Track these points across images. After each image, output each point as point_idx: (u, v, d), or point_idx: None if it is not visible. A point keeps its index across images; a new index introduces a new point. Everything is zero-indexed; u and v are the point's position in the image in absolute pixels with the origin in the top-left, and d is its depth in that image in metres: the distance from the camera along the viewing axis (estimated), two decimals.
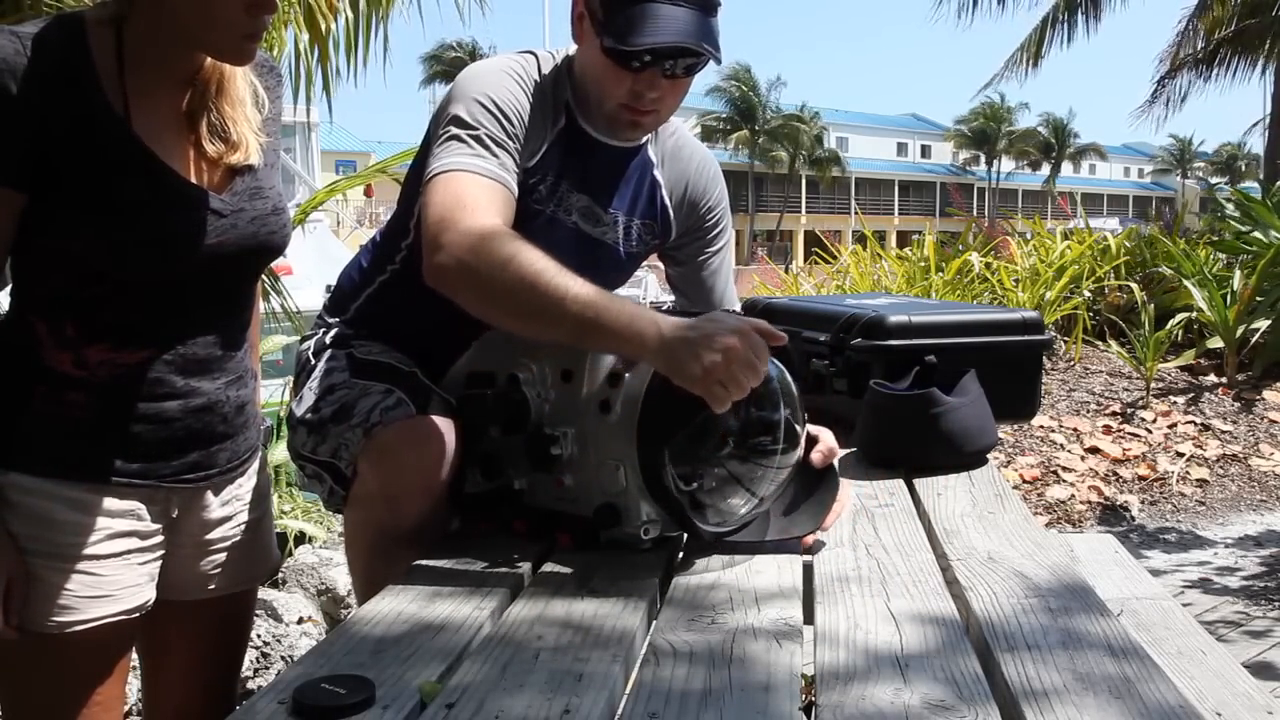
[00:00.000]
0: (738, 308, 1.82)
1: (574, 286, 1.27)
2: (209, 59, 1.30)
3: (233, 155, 1.31)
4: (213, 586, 1.44)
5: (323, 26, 3.70)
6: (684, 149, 1.72)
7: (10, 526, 1.24)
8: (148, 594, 1.35)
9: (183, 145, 1.29)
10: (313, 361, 1.61)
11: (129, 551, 1.31)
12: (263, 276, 4.42)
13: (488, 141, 1.45)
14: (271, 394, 3.39)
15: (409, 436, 1.37)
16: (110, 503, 1.29)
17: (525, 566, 1.31)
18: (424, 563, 1.34)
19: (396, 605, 1.18)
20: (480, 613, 1.16)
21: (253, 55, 1.27)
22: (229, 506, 1.44)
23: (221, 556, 1.44)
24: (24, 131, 1.18)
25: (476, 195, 1.39)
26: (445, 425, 1.39)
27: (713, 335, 1.21)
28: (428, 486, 1.38)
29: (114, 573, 1.29)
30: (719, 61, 1.50)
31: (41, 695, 1.30)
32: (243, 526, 1.46)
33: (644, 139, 1.65)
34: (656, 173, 1.68)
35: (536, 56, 1.59)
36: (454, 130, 1.45)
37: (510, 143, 1.48)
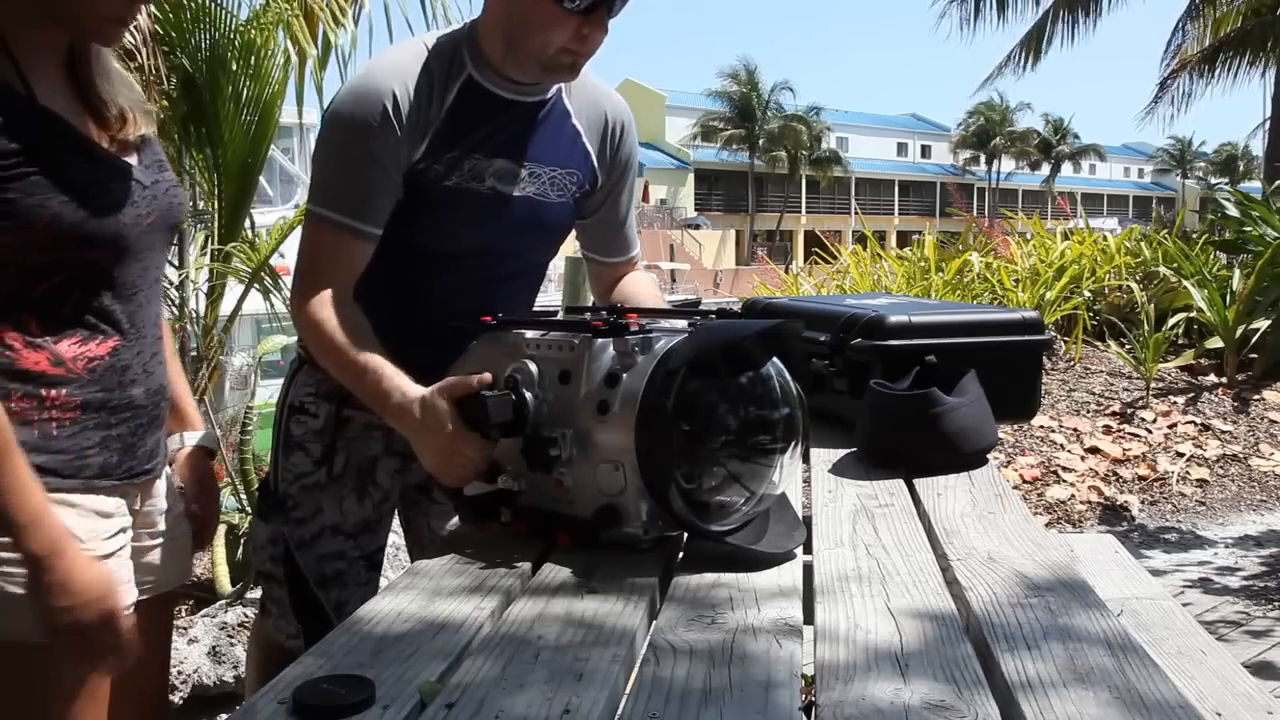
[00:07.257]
0: (637, 244, 1.89)
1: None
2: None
3: (124, 128, 1.31)
4: (150, 584, 1.42)
5: (321, 29, 3.70)
6: (596, 93, 1.73)
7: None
8: (134, 591, 1.34)
9: (84, 120, 1.29)
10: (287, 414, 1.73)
11: (122, 548, 1.31)
12: (263, 276, 4.38)
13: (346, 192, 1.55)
14: (271, 394, 3.39)
15: None
16: (106, 502, 1.29)
17: (525, 566, 1.31)
18: (424, 562, 1.34)
19: (396, 605, 1.18)
20: (480, 613, 1.16)
21: (118, 39, 1.28)
22: (168, 497, 1.44)
23: (159, 553, 1.43)
24: None
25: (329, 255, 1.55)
26: None
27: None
28: None
29: (116, 569, 1.29)
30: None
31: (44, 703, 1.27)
32: (174, 517, 1.46)
33: (551, 90, 1.67)
34: (575, 121, 1.70)
35: (413, 45, 1.60)
36: (315, 173, 1.57)
37: (373, 179, 1.55)
